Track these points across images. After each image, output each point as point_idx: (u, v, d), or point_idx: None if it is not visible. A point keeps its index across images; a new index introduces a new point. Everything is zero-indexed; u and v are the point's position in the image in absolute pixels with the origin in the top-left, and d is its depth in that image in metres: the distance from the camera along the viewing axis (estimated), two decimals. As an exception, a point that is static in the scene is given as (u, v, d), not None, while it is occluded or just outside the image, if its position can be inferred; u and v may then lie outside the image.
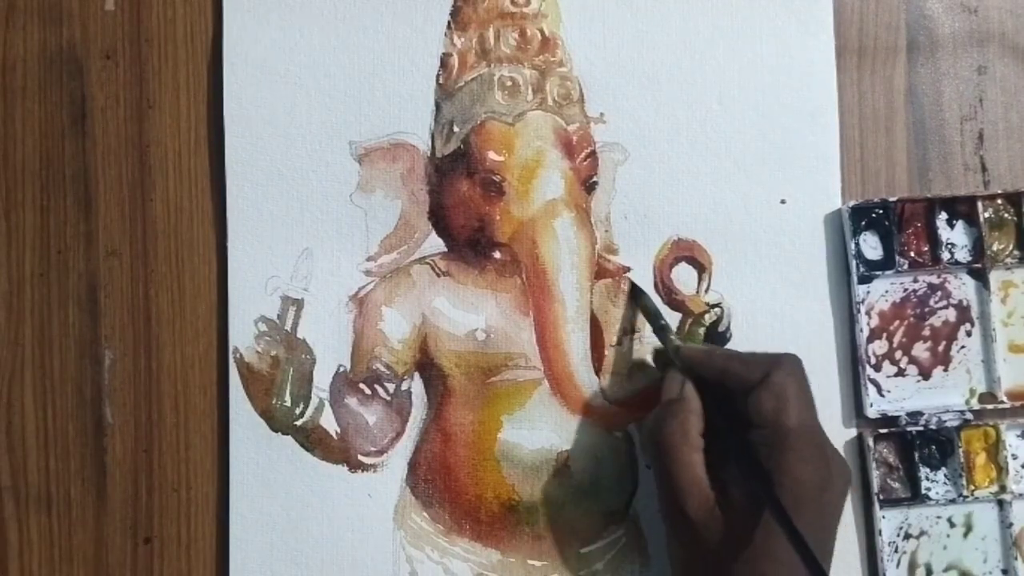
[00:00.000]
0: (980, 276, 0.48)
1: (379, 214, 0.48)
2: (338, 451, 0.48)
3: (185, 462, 0.48)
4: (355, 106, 0.49)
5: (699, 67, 0.48)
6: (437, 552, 0.48)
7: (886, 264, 0.48)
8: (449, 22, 0.49)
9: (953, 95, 0.49)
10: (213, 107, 0.49)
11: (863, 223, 0.48)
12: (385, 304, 0.48)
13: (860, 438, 0.47)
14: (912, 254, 0.48)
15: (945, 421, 0.47)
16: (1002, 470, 0.47)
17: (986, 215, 0.48)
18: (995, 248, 0.48)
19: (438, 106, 0.48)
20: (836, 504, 0.40)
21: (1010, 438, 0.47)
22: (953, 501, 0.47)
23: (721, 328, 0.48)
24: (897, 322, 0.48)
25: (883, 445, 0.47)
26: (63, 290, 0.49)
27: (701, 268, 0.48)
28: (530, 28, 0.48)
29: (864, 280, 0.48)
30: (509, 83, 0.48)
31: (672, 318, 0.48)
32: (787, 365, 0.41)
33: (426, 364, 0.48)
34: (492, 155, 0.48)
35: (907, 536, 0.47)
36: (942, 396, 0.48)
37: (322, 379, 0.48)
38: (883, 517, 0.47)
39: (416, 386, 0.48)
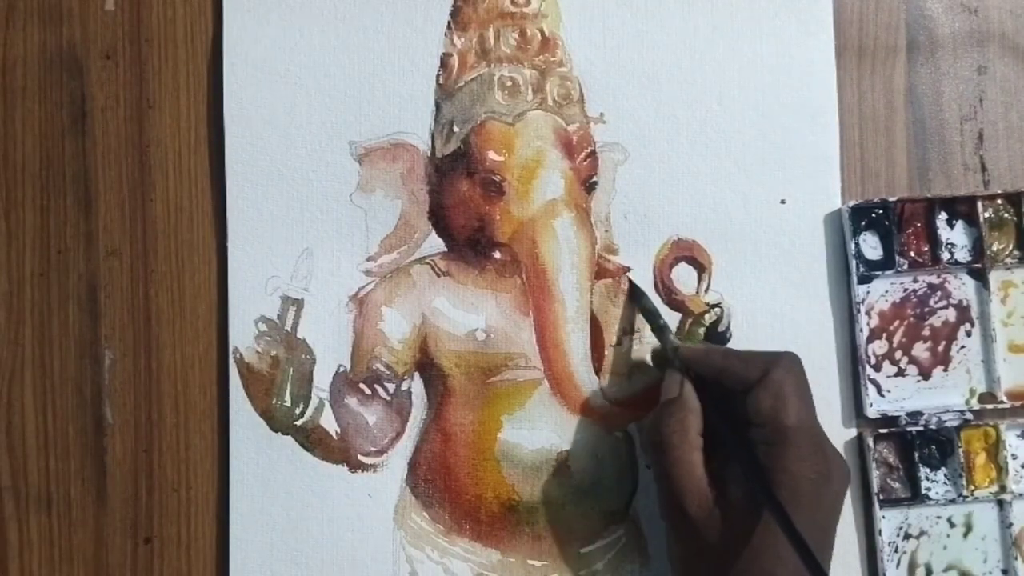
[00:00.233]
0: (980, 276, 0.48)
1: (379, 214, 0.48)
2: (338, 451, 0.48)
3: (185, 462, 0.48)
4: (355, 106, 0.49)
5: (699, 67, 0.48)
6: (437, 552, 0.48)
7: (886, 264, 0.48)
8: (449, 22, 0.49)
9: (953, 95, 0.49)
10: (213, 107, 0.49)
11: (863, 223, 0.48)
12: (385, 304, 0.48)
13: (860, 438, 0.47)
14: (912, 254, 0.48)
15: (945, 421, 0.47)
16: (1002, 470, 0.47)
17: (986, 215, 0.48)
18: (995, 248, 0.48)
19: (438, 106, 0.48)
20: (835, 502, 0.40)
21: (1010, 438, 0.47)
22: (953, 501, 0.47)
23: (721, 328, 0.48)
24: (897, 322, 0.48)
25: (883, 445, 0.47)
26: (63, 290, 0.49)
27: (701, 268, 0.48)
28: (530, 28, 0.48)
29: (864, 280, 0.48)
30: (509, 83, 0.48)
31: (672, 318, 0.48)
32: (786, 363, 0.41)
33: (426, 364, 0.48)
34: (492, 155, 0.48)
35: (907, 536, 0.47)
36: (942, 396, 0.48)
37: (322, 379, 0.48)
38: (883, 517, 0.47)
39: (416, 386, 0.48)
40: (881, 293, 0.48)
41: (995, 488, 0.47)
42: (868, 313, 0.48)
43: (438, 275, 0.48)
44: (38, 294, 0.49)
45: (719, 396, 0.42)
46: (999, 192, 0.48)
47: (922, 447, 0.47)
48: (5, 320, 0.49)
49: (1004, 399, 0.47)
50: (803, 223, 0.48)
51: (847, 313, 0.48)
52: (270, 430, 0.48)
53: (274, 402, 0.48)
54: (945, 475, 0.47)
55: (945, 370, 0.48)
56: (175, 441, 0.48)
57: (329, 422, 0.48)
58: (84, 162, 0.49)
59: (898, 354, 0.48)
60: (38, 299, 0.49)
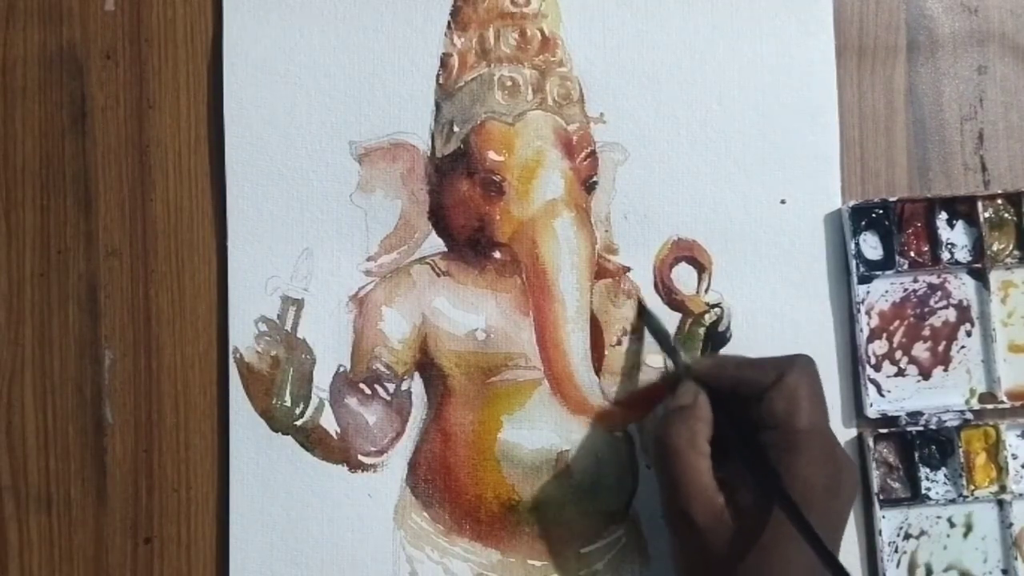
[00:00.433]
0: (980, 276, 0.48)
1: (379, 214, 0.48)
2: (338, 451, 0.48)
3: (185, 462, 0.48)
4: (355, 106, 0.49)
5: (699, 67, 0.48)
6: (437, 552, 0.48)
7: (886, 264, 0.48)
8: (449, 22, 0.49)
9: (953, 95, 0.49)
10: (213, 107, 0.49)
11: (863, 223, 0.48)
12: (385, 304, 0.48)
13: (860, 438, 0.47)
14: (912, 254, 0.48)
15: (945, 421, 0.47)
16: (1002, 470, 0.47)
17: (986, 215, 0.48)
18: (995, 248, 0.48)
19: (438, 106, 0.48)
20: (844, 507, 0.40)
21: (1010, 438, 0.47)
22: (953, 501, 0.47)
23: (721, 328, 0.48)
24: (897, 322, 0.48)
25: (883, 445, 0.47)
26: (63, 290, 0.49)
27: (701, 268, 0.48)
28: (530, 28, 0.48)
29: (864, 280, 0.48)
30: (509, 83, 0.48)
31: (672, 318, 0.48)
32: (800, 367, 0.41)
33: (426, 364, 0.48)
34: (492, 155, 0.48)
35: (907, 536, 0.47)
36: (942, 396, 0.48)
37: (322, 379, 0.48)
38: (883, 517, 0.47)
39: (416, 386, 0.48)
40: (881, 293, 0.48)
41: (995, 488, 0.47)
42: (868, 313, 0.48)
43: (438, 275, 0.48)
44: (38, 294, 0.49)
45: (729, 402, 0.42)
46: (999, 192, 0.48)
47: (922, 447, 0.47)
48: (5, 320, 0.49)
49: (1004, 399, 0.47)
50: (803, 223, 0.48)
51: (847, 313, 0.48)
52: (270, 430, 0.48)
53: (274, 402, 0.48)
54: (945, 475, 0.47)
55: (945, 370, 0.48)
56: (175, 441, 0.48)
57: (329, 422, 0.48)
58: (84, 162, 0.49)
59: (898, 354, 0.48)
60: (38, 299, 0.49)
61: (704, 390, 0.42)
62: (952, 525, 0.47)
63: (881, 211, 0.48)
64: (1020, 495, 0.47)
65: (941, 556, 0.47)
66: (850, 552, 0.47)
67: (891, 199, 0.48)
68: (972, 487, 0.47)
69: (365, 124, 0.49)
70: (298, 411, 0.48)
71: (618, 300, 0.48)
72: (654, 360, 0.48)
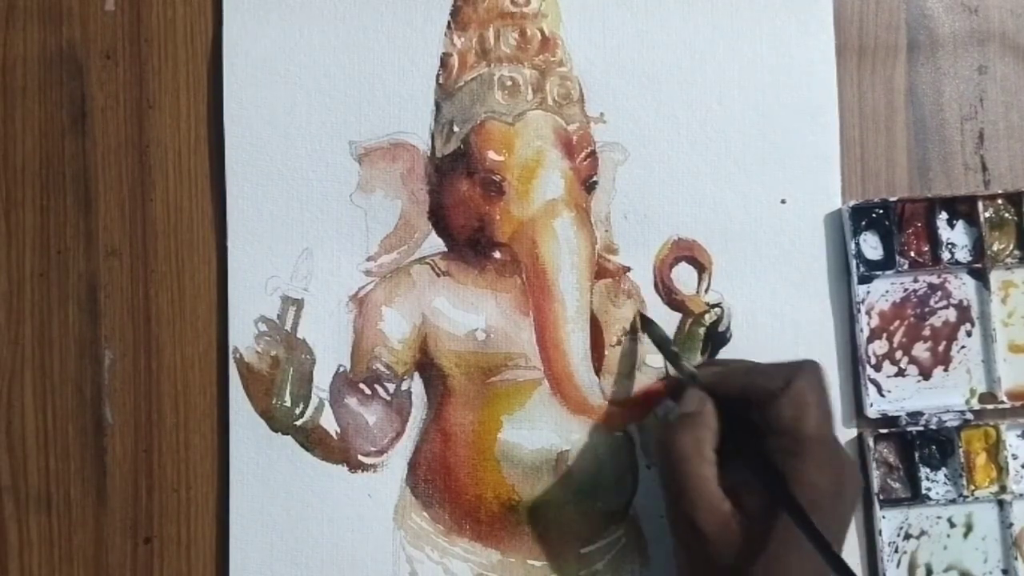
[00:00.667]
0: (980, 276, 0.48)
1: (379, 214, 0.48)
2: (338, 451, 0.48)
3: (185, 462, 0.48)
4: (355, 106, 0.49)
5: (699, 67, 0.48)
6: (437, 552, 0.48)
7: (886, 264, 0.48)
8: (449, 22, 0.49)
9: (953, 95, 0.49)
10: (213, 107, 0.49)
11: (863, 223, 0.48)
12: (385, 304, 0.48)
13: (860, 438, 0.47)
14: (912, 254, 0.48)
15: (945, 421, 0.47)
16: (1002, 470, 0.47)
17: (986, 215, 0.48)
18: (995, 248, 0.48)
19: (438, 106, 0.48)
20: (848, 512, 0.40)
21: (1010, 438, 0.47)
22: (953, 501, 0.47)
23: (721, 328, 0.48)
24: (897, 322, 0.48)
25: (883, 445, 0.47)
26: (63, 290, 0.49)
27: (701, 268, 0.48)
28: (530, 28, 0.48)
29: (864, 280, 0.48)
30: (509, 83, 0.48)
31: (672, 318, 0.48)
32: (808, 372, 0.40)
33: (426, 364, 0.48)
34: (492, 155, 0.48)
35: (907, 536, 0.47)
36: (942, 396, 0.48)
37: (322, 379, 0.48)
38: (883, 517, 0.47)
39: (416, 386, 0.48)
40: (881, 293, 0.48)
41: (995, 488, 0.47)
42: (868, 313, 0.48)
43: (438, 275, 0.48)
44: (38, 294, 0.49)
45: (735, 408, 0.41)
46: (1000, 192, 0.48)
47: (922, 447, 0.47)
48: (5, 320, 0.49)
49: (1004, 399, 0.47)
50: (803, 223, 0.48)
51: (847, 313, 0.48)
52: (270, 430, 0.48)
53: (274, 402, 0.48)
54: (945, 475, 0.47)
55: (945, 370, 0.48)
56: (175, 441, 0.48)
57: (329, 422, 0.48)
58: (84, 162, 0.49)
59: (898, 354, 0.48)
60: (38, 299, 0.49)
61: (712, 401, 0.42)
62: (952, 525, 0.47)
63: (881, 211, 0.48)
64: (1020, 495, 0.47)
65: (941, 556, 0.47)
66: (850, 552, 0.47)
67: (891, 199, 0.48)
68: (972, 487, 0.47)
69: (365, 124, 0.49)
70: (298, 411, 0.48)
71: (618, 300, 0.48)
72: (654, 360, 0.48)
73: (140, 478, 0.48)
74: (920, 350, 0.48)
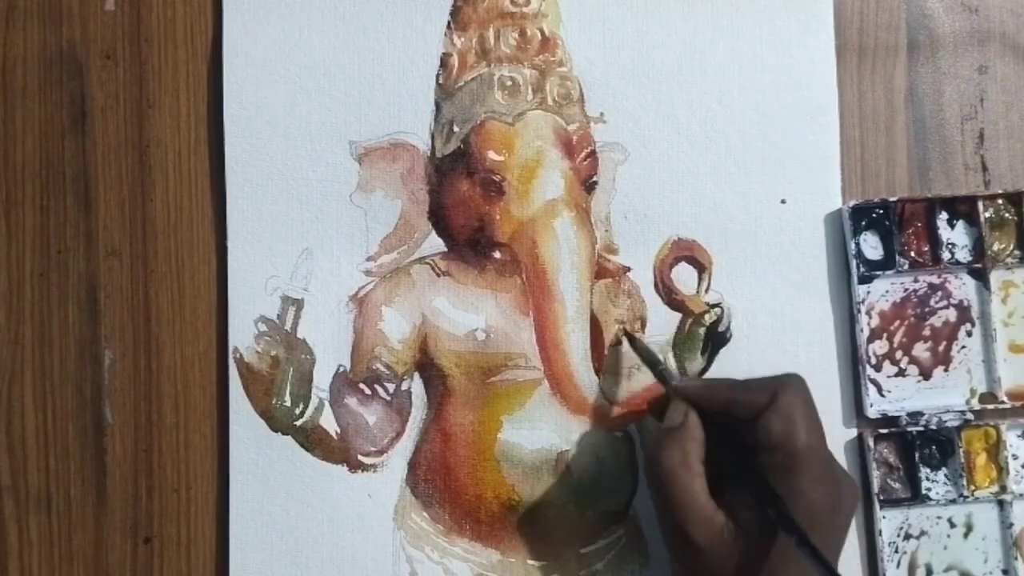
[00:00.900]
0: (980, 276, 0.48)
1: (379, 214, 0.48)
2: (338, 451, 0.48)
3: (185, 462, 0.48)
4: (355, 106, 0.49)
5: (699, 67, 0.48)
6: (437, 552, 0.48)
7: (886, 264, 0.48)
8: (449, 22, 0.49)
9: (953, 95, 0.49)
10: (213, 107, 0.49)
11: (863, 223, 0.48)
12: (385, 304, 0.48)
13: (860, 438, 0.47)
14: (912, 254, 0.48)
15: (945, 421, 0.47)
16: (1002, 470, 0.47)
17: (987, 215, 0.48)
18: (995, 248, 0.48)
19: (438, 106, 0.48)
20: (845, 524, 0.40)
21: (1010, 438, 0.47)
22: (953, 501, 0.47)
23: (721, 328, 0.48)
24: (897, 322, 0.48)
25: (883, 445, 0.47)
26: (63, 290, 0.49)
27: (701, 268, 0.48)
28: (530, 28, 0.48)
29: (864, 280, 0.48)
30: (509, 83, 0.48)
31: (672, 318, 0.48)
32: (793, 387, 0.40)
33: (426, 364, 0.48)
34: (492, 155, 0.48)
35: (907, 536, 0.47)
36: (942, 396, 0.48)
37: (322, 379, 0.48)
38: (883, 517, 0.47)
39: (416, 386, 0.48)
40: (881, 293, 0.48)
41: (995, 488, 0.47)
42: (868, 313, 0.48)
43: (438, 275, 0.48)
44: (38, 294, 0.49)
45: (722, 426, 0.41)
46: (1000, 192, 0.48)
47: (922, 447, 0.47)
48: (5, 320, 0.49)
49: (1005, 399, 0.47)
50: (803, 223, 0.48)
51: (847, 313, 0.48)
52: (270, 430, 0.48)
53: (274, 402, 0.48)
54: (945, 475, 0.47)
55: (946, 370, 0.48)
56: (175, 441, 0.48)
57: (329, 422, 0.48)
58: (84, 162, 0.49)
59: (898, 354, 0.48)
60: (38, 299, 0.49)
61: (696, 412, 0.42)
62: (952, 525, 0.47)
63: (881, 211, 0.48)
64: (1020, 495, 0.47)
65: (941, 556, 0.47)
66: (850, 552, 0.47)
67: (891, 199, 0.48)
68: (972, 487, 0.47)
69: (365, 124, 0.49)
70: (298, 411, 0.48)
71: (618, 300, 0.48)
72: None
73: (140, 478, 0.48)
74: (920, 350, 0.48)
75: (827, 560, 0.36)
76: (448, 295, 0.48)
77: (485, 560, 0.48)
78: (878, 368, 0.48)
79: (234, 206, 0.48)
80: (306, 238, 0.48)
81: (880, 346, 0.48)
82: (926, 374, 0.48)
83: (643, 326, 0.48)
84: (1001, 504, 0.47)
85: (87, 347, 0.49)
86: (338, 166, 0.48)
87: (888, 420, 0.47)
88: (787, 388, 0.40)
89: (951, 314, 0.48)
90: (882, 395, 0.48)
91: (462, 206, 0.48)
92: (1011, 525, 0.47)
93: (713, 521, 0.39)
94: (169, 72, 0.49)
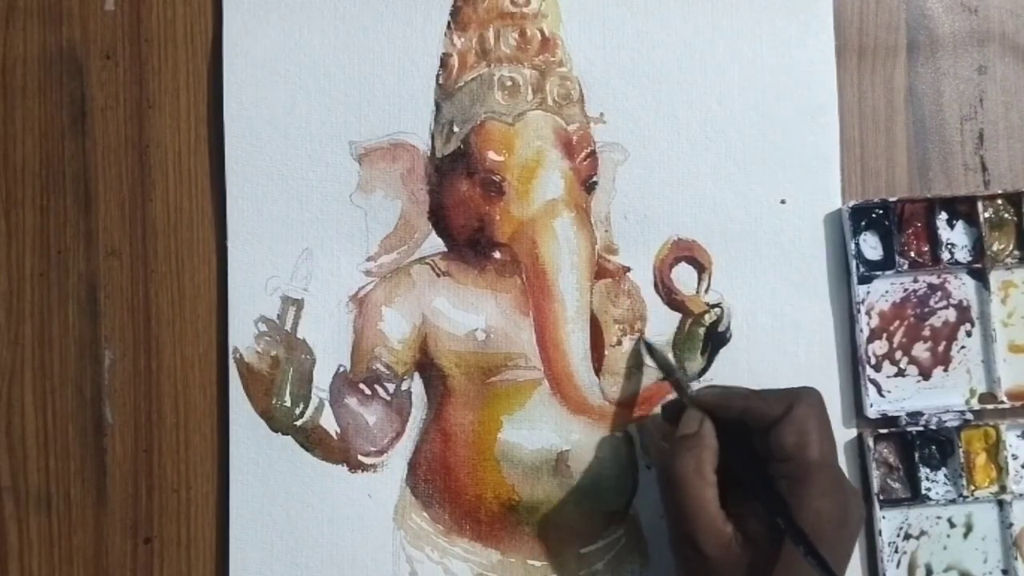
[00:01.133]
0: (980, 276, 0.48)
1: (379, 214, 0.48)
2: (338, 451, 0.48)
3: (185, 462, 0.48)
4: (355, 106, 0.49)
5: (699, 67, 0.48)
6: (437, 552, 0.48)
7: (886, 264, 0.48)
8: (449, 22, 0.49)
9: (953, 95, 0.49)
10: (213, 107, 0.49)
11: (863, 223, 0.48)
12: (385, 304, 0.48)
13: (860, 438, 0.47)
14: (912, 254, 0.48)
15: (945, 421, 0.47)
16: (1002, 470, 0.47)
17: (986, 215, 0.48)
18: (995, 248, 0.48)
19: (438, 106, 0.48)
20: (851, 539, 0.40)
21: (1010, 438, 0.47)
22: (953, 501, 0.47)
23: (721, 328, 0.48)
24: (897, 322, 0.48)
25: (883, 445, 0.47)
26: (63, 290, 0.49)
27: (701, 268, 0.48)
28: (530, 28, 0.48)
29: (864, 280, 0.48)
30: (509, 83, 0.48)
31: (672, 318, 0.48)
32: (808, 399, 0.41)
33: (426, 364, 0.48)
34: (492, 155, 0.48)
35: (907, 536, 0.47)
36: (942, 396, 0.48)
37: (322, 379, 0.48)
38: (883, 517, 0.47)
39: (416, 386, 0.48)
40: (881, 293, 0.48)
41: (995, 488, 0.47)
42: (868, 313, 0.48)
43: (438, 275, 0.48)
44: (38, 294, 0.49)
45: (735, 435, 0.42)
46: (999, 192, 0.48)
47: (922, 447, 0.47)
48: (5, 320, 0.49)
49: (1004, 399, 0.47)
50: (803, 223, 0.48)
51: (847, 313, 0.48)
52: (270, 430, 0.48)
53: (274, 402, 0.48)
54: (945, 475, 0.47)
55: (945, 370, 0.48)
56: (175, 441, 0.48)
57: (329, 422, 0.48)
58: (84, 162, 0.49)
59: (898, 354, 0.48)
60: (38, 299, 0.49)
61: (710, 421, 0.42)
62: (952, 525, 0.47)
63: (881, 211, 0.48)
64: (1020, 495, 0.47)
65: (941, 556, 0.47)
66: (850, 552, 0.47)
67: (891, 199, 0.48)
68: (972, 487, 0.47)
69: (365, 124, 0.49)
70: (298, 411, 0.48)
71: (618, 300, 0.48)
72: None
73: (140, 478, 0.48)
74: (920, 350, 0.48)
75: (835, 572, 0.36)
76: (448, 295, 0.48)
77: (485, 560, 0.48)
78: (878, 368, 0.48)
79: (234, 206, 0.48)
80: (306, 238, 0.48)
81: (880, 346, 0.48)
82: (926, 374, 0.48)
83: (643, 326, 0.48)
84: (1001, 504, 0.47)
85: (87, 347, 0.49)
86: (338, 166, 0.48)
87: (888, 420, 0.47)
88: (802, 400, 0.40)
89: (951, 314, 0.48)
90: (882, 395, 0.48)
91: (462, 206, 0.48)
92: (1011, 525, 0.47)
93: (722, 531, 0.39)
94: (169, 72, 0.49)
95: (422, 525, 0.48)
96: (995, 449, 0.47)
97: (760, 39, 0.49)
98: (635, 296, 0.48)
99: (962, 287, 0.48)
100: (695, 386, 0.47)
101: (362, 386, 0.48)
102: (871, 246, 0.48)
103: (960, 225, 0.48)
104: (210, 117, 0.49)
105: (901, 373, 0.48)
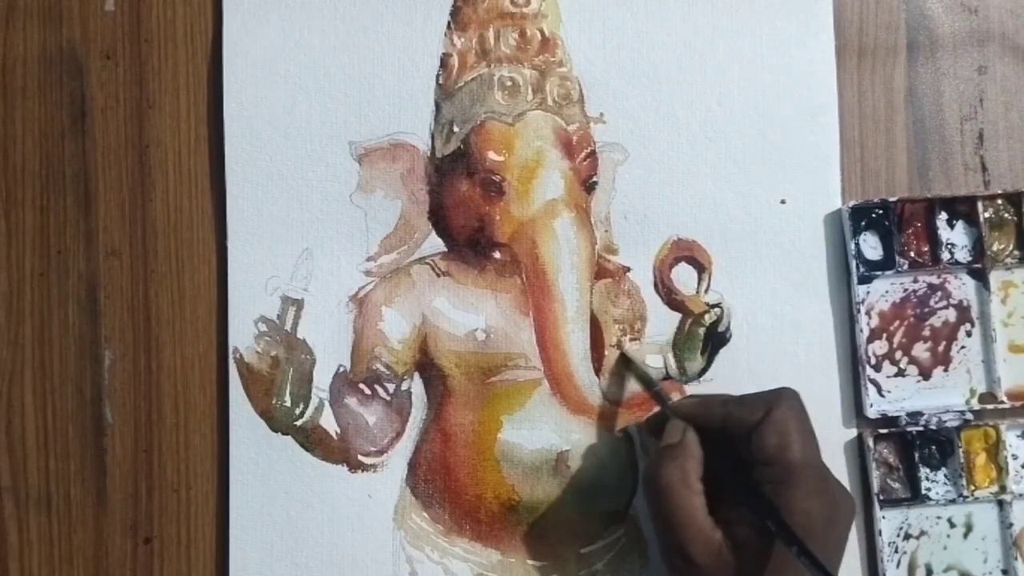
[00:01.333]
0: (980, 276, 0.48)
1: (379, 214, 0.48)
2: (338, 451, 0.48)
3: (185, 462, 0.48)
4: (355, 106, 0.49)
5: (699, 67, 0.48)
6: (437, 552, 0.48)
7: (886, 264, 0.48)
8: (449, 22, 0.49)
9: (953, 95, 0.49)
10: (213, 107, 0.49)
11: (863, 223, 0.48)
12: (385, 304, 0.48)
13: (860, 438, 0.47)
14: (912, 254, 0.48)
15: (945, 421, 0.47)
16: (1002, 470, 0.47)
17: (986, 215, 0.48)
18: (995, 248, 0.48)
19: (438, 106, 0.48)
20: (842, 537, 0.40)
21: (1010, 438, 0.47)
22: (953, 501, 0.47)
23: (721, 328, 0.48)
24: (897, 322, 0.48)
25: (883, 445, 0.47)
26: (63, 290, 0.49)
27: (701, 268, 0.48)
28: (530, 28, 0.48)
29: (864, 280, 0.48)
30: (509, 83, 0.48)
31: (672, 318, 0.48)
32: (786, 401, 0.41)
33: (426, 364, 0.48)
34: (492, 155, 0.48)
35: (907, 536, 0.47)
36: (942, 396, 0.48)
37: (322, 379, 0.48)
38: (883, 517, 0.47)
39: (416, 386, 0.48)
40: (881, 293, 0.48)
41: (995, 488, 0.47)
42: (868, 313, 0.48)
43: (438, 275, 0.48)
44: (38, 294, 0.49)
45: (718, 443, 0.42)
46: (999, 192, 0.48)
47: (922, 447, 0.47)
48: (5, 320, 0.49)
49: (1004, 399, 0.47)
50: (803, 223, 0.48)
51: (847, 313, 0.48)
52: (270, 430, 0.48)
53: (274, 402, 0.48)
54: (945, 475, 0.47)
55: (945, 370, 0.48)
56: (175, 441, 0.48)
57: (329, 422, 0.48)
58: (84, 162, 0.49)
59: (898, 354, 0.48)
60: (38, 299, 0.49)
61: (693, 430, 0.42)
62: (952, 525, 0.47)
63: (881, 211, 0.48)
64: (1020, 495, 0.47)
65: (941, 556, 0.47)
66: (850, 552, 0.47)
67: (891, 199, 0.48)
68: (972, 487, 0.47)
69: (365, 124, 0.49)
70: (298, 411, 0.48)
71: (618, 300, 0.48)
72: (655, 360, 0.48)
73: (140, 478, 0.48)
74: (920, 350, 0.48)
75: (828, 570, 0.36)
76: (448, 295, 0.48)
77: (485, 560, 0.48)
78: (878, 368, 0.48)
79: (234, 206, 0.48)
80: (306, 238, 0.48)
81: (880, 346, 0.48)
82: (926, 374, 0.48)
83: (643, 326, 0.48)
84: (1001, 504, 0.47)
85: (87, 347, 0.49)
86: (338, 166, 0.48)
87: (888, 420, 0.47)
88: (781, 402, 0.40)
89: (951, 314, 0.48)
90: (882, 395, 0.48)
91: (462, 206, 0.48)
92: (1011, 525, 0.47)
93: (711, 538, 0.39)
94: (169, 72, 0.49)
95: (422, 525, 0.48)
96: (995, 449, 0.47)
97: (760, 39, 0.49)
98: (635, 296, 0.48)
99: (962, 287, 0.48)
100: (695, 387, 0.47)
101: (362, 386, 0.48)
102: (871, 246, 0.48)
103: (960, 225, 0.48)
104: (210, 117, 0.49)
105: (901, 373, 0.48)
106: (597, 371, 0.48)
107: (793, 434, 0.40)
